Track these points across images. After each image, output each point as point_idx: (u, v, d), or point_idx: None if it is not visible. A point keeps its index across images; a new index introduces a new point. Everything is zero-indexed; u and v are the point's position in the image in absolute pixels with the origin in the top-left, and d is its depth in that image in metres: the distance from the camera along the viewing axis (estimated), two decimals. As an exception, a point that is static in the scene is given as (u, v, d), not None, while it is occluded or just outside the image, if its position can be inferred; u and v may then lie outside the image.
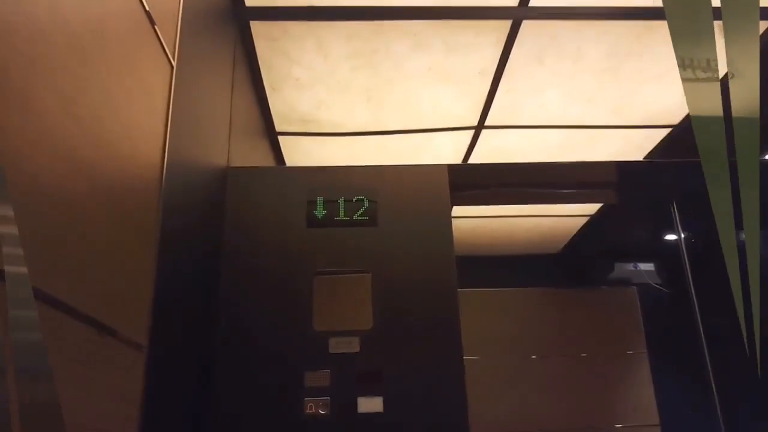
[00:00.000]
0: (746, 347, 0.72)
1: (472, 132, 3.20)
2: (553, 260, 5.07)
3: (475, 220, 4.36)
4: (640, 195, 2.90)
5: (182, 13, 1.58)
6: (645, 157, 3.45)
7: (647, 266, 4.51)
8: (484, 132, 3.19)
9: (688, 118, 3.06)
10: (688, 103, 0.73)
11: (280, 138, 3.21)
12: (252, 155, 2.68)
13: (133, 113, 1.25)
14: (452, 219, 2.03)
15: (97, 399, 1.04)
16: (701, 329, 2.43)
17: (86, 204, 1.03)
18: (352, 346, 1.84)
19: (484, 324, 4.36)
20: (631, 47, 2.57)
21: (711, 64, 0.72)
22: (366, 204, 2.03)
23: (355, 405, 1.77)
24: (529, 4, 2.30)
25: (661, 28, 2.45)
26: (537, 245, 4.89)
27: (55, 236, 0.91)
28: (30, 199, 0.85)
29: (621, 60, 2.65)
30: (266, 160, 3.10)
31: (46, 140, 0.89)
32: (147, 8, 1.32)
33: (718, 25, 0.73)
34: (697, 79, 0.72)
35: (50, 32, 0.91)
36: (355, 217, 2.01)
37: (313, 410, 1.76)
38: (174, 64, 1.51)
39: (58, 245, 0.92)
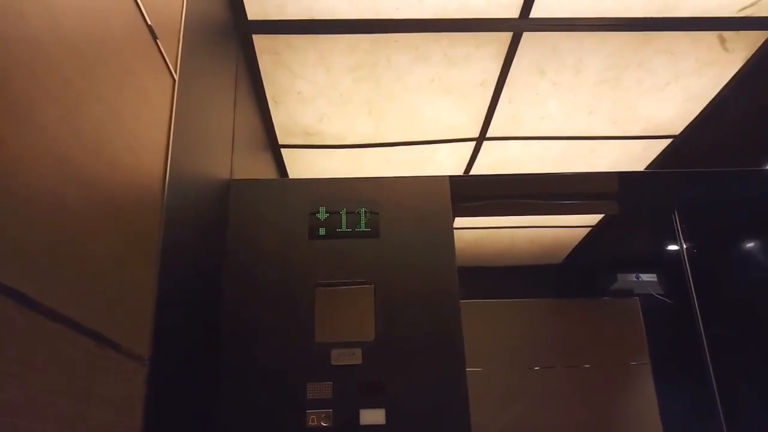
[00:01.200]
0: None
1: (473, 143, 3.20)
2: (556, 271, 5.06)
3: (477, 232, 4.36)
4: (641, 205, 2.90)
5: (184, 27, 1.59)
6: (646, 168, 3.45)
7: (649, 277, 4.50)
8: (485, 143, 3.20)
9: (688, 128, 3.06)
10: None
11: (283, 151, 3.22)
12: (255, 168, 2.69)
13: (135, 126, 1.26)
14: (454, 230, 2.04)
15: (98, 411, 1.04)
16: (704, 339, 2.42)
17: (87, 216, 1.03)
18: (355, 357, 1.83)
19: (486, 335, 4.35)
20: (631, 58, 2.58)
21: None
22: (368, 215, 2.03)
23: (357, 417, 1.76)
24: (530, 16, 2.31)
25: (661, 38, 2.46)
26: (539, 256, 4.89)
27: (55, 248, 0.92)
28: (30, 210, 0.85)
29: (621, 71, 2.66)
30: (269, 173, 3.11)
31: (47, 152, 0.90)
32: (149, 22, 1.33)
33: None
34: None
35: (51, 45, 0.92)
36: (357, 229, 2.01)
37: (316, 422, 1.75)
38: (176, 77, 1.51)
39: (57, 257, 0.93)
